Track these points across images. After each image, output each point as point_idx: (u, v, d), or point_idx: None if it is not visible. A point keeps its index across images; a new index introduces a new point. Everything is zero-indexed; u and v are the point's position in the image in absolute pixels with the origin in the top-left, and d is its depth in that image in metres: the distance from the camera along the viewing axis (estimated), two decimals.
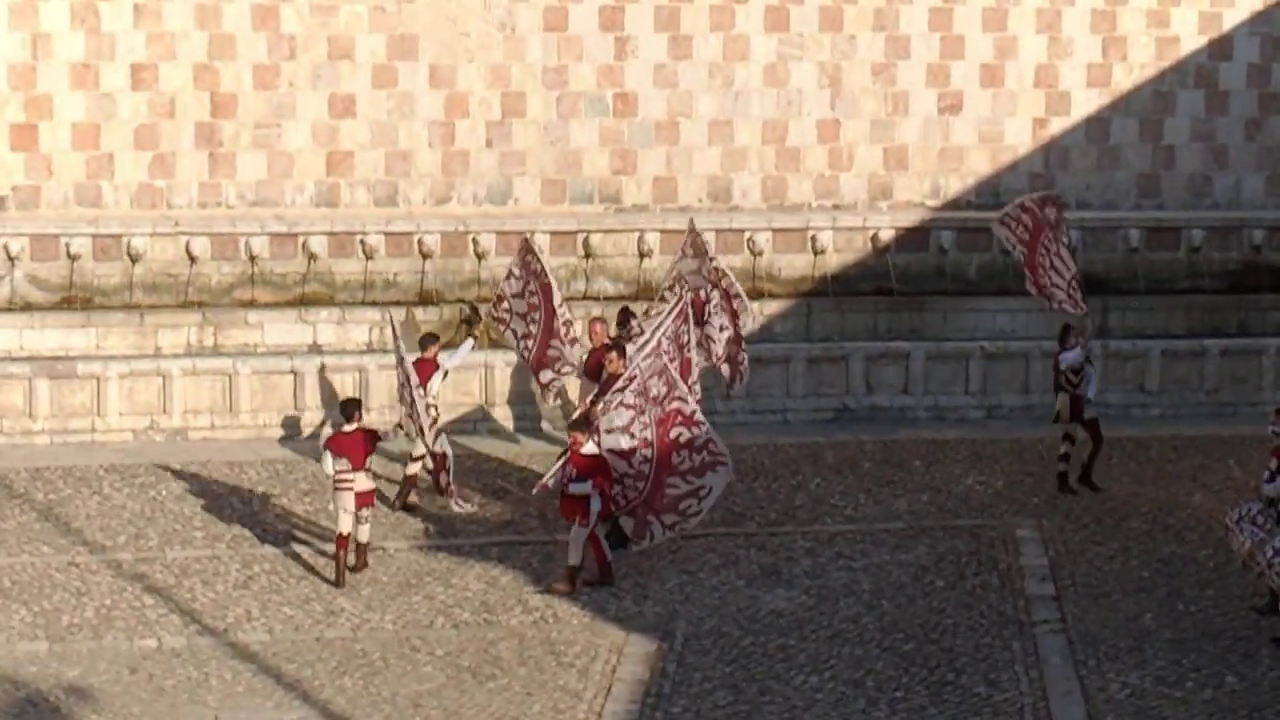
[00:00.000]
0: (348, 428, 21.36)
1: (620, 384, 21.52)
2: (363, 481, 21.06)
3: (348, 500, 20.97)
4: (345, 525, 20.97)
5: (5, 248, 27.83)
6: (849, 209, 30.25)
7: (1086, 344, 24.24)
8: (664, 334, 22.20)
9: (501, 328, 25.47)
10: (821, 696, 18.02)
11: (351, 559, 21.00)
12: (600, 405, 21.69)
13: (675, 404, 21.30)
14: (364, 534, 21.22)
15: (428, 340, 24.29)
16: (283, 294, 28.43)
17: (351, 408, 21.59)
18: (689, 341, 22.72)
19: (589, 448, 20.88)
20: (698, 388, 22.99)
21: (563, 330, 24.59)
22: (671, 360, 21.98)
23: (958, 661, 18.74)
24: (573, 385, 25.16)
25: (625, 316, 24.82)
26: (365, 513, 21.04)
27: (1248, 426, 26.34)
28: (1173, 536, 22.37)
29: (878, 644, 19.21)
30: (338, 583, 20.76)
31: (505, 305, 25.26)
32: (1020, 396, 27.86)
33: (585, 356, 24.09)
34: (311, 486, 23.97)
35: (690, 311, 22.89)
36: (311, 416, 26.44)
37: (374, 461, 21.54)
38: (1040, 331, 27.59)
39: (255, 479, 24.27)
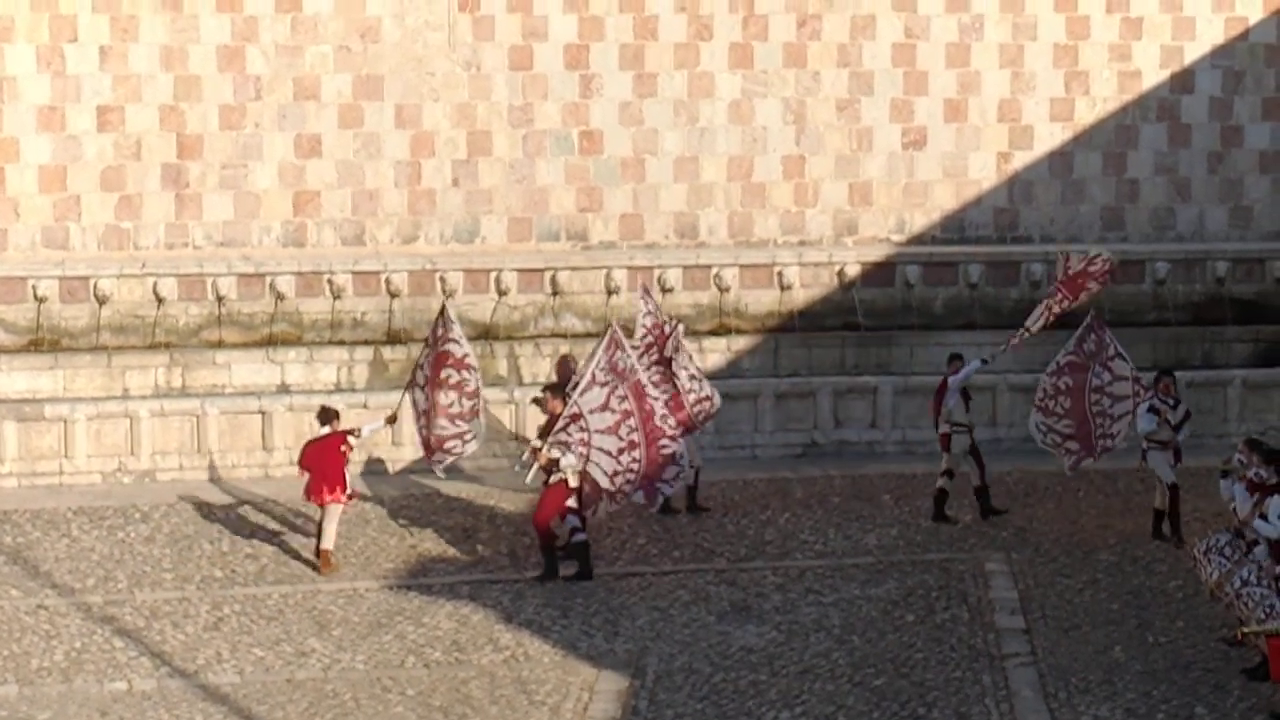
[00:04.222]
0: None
1: (561, 423, 21.75)
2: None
3: None
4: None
5: None
6: (815, 245, 30.36)
7: None
8: (597, 366, 22.18)
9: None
10: None
11: None
12: (545, 447, 21.86)
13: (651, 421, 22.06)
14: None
15: None
16: (250, 334, 28.41)
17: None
18: (631, 366, 22.45)
19: (574, 481, 22.00)
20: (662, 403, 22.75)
21: (454, 404, 23.32)
22: (614, 389, 21.96)
23: (928, 695, 18.76)
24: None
25: None
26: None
27: (1214, 458, 26.37)
28: (1142, 569, 22.43)
29: (848, 679, 19.22)
30: None
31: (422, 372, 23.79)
32: (988, 430, 27.81)
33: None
34: (281, 527, 23.93)
35: (622, 339, 22.59)
36: (280, 456, 26.39)
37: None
38: (1007, 365, 27.64)
39: (224, 520, 24.21)
